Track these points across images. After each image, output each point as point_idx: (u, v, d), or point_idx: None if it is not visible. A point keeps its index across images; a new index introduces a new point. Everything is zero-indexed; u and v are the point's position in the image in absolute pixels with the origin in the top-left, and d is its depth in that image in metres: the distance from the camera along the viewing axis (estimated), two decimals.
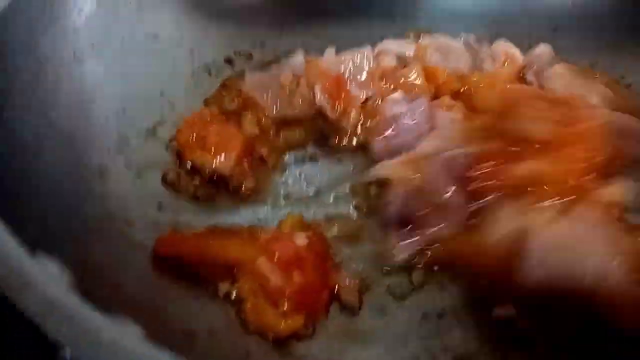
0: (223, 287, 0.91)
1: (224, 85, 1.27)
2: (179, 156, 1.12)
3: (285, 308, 0.84)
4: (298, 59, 1.24)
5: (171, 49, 1.29)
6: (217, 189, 1.10)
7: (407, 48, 1.30)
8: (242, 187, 1.08)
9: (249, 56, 1.39)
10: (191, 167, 1.08)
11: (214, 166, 1.06)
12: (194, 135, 1.09)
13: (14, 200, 0.83)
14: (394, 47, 1.30)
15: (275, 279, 0.86)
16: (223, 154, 1.06)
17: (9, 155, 0.88)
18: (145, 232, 0.99)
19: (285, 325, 0.84)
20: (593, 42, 1.41)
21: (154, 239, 0.98)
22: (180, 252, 0.92)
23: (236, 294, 0.89)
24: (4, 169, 0.86)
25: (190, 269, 0.91)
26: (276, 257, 0.88)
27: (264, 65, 1.32)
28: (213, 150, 1.06)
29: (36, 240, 0.73)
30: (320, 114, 1.16)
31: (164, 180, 1.10)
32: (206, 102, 1.24)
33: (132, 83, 1.19)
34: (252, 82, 1.23)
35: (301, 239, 0.91)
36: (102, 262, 0.88)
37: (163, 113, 1.21)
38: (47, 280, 0.60)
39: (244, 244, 0.92)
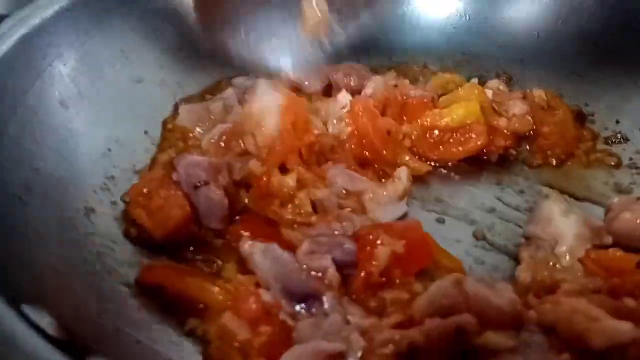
0: (191, 322, 0.95)
1: (168, 129, 1.31)
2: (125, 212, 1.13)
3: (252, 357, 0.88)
4: (229, 92, 1.32)
5: (154, 91, 1.35)
6: None
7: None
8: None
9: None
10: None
11: (149, 230, 1.06)
12: (144, 193, 1.08)
13: (2, 247, 0.88)
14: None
15: (241, 332, 0.89)
16: (162, 221, 1.05)
17: None
18: (129, 269, 1.04)
19: None
20: (558, 72, 1.48)
21: (136, 274, 1.04)
22: (163, 282, 0.97)
23: (203, 333, 0.94)
24: None
25: (167, 300, 0.97)
26: (242, 311, 0.92)
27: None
28: (154, 214, 1.06)
29: (23, 288, 0.79)
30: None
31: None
32: (160, 148, 1.27)
33: (117, 125, 1.26)
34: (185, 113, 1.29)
35: (266, 295, 0.95)
36: (89, 302, 0.93)
37: (147, 152, 1.27)
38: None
39: (219, 290, 0.96)
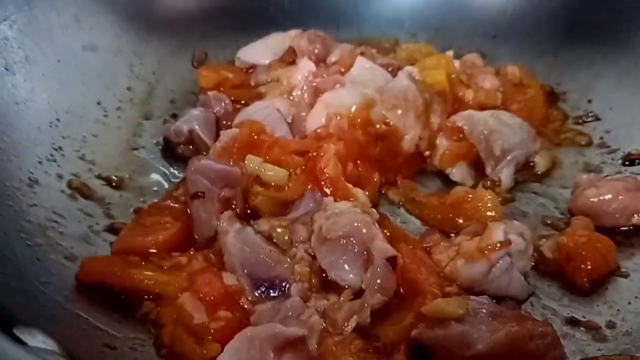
0: (144, 307, 0.89)
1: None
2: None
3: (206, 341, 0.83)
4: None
5: (109, 60, 1.29)
6: None
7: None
8: None
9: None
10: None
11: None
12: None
13: None
14: None
15: (199, 317, 0.84)
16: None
17: None
18: (76, 243, 0.98)
19: (202, 354, 0.81)
20: (530, 49, 1.44)
21: (84, 250, 0.98)
22: (104, 279, 0.90)
23: (156, 317, 0.88)
24: None
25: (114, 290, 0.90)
26: (202, 293, 0.87)
27: None
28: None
29: None
30: None
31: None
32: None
33: (68, 93, 1.19)
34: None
35: (230, 279, 0.90)
36: (26, 274, 0.87)
37: (98, 123, 1.20)
38: None
39: (168, 278, 0.90)
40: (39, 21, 1.19)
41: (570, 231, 1.01)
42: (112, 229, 1.04)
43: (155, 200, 1.10)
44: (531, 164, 1.21)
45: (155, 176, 1.17)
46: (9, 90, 1.09)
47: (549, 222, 1.10)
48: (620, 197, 1.05)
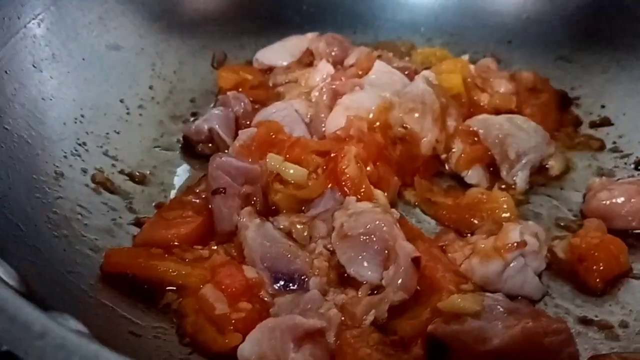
0: (167, 297, 0.92)
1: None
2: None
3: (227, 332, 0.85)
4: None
5: (132, 59, 1.32)
6: None
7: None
8: None
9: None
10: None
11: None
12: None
13: None
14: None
15: (221, 307, 0.86)
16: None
17: None
18: (100, 235, 1.01)
19: (224, 343, 0.83)
20: (545, 54, 1.46)
21: (107, 242, 1.00)
22: (127, 270, 0.93)
23: (179, 308, 0.90)
24: None
25: (137, 281, 0.93)
26: (223, 285, 0.89)
27: None
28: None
29: None
30: None
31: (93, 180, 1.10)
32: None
33: (92, 91, 1.22)
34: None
35: (250, 272, 0.92)
36: (54, 264, 0.90)
37: (121, 120, 1.23)
38: None
39: (190, 270, 0.93)
40: (66, 21, 1.22)
41: (582, 233, 1.03)
42: (135, 223, 1.06)
43: (176, 196, 1.12)
44: (546, 167, 1.22)
45: (176, 173, 1.20)
46: (36, 87, 1.12)
47: (562, 224, 1.12)
48: (632, 200, 1.07)
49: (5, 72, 1.07)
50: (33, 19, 1.16)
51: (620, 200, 1.07)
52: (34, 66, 1.13)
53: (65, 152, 1.10)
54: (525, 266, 0.96)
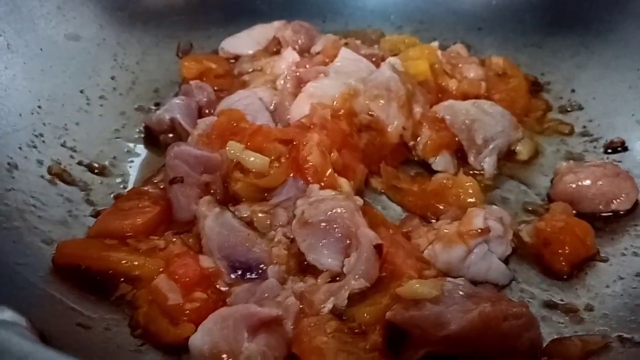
0: (121, 289, 0.89)
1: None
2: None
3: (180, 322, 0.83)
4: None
5: (93, 49, 1.29)
6: None
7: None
8: None
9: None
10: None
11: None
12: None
13: None
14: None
15: (173, 297, 0.84)
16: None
17: None
18: (54, 228, 0.98)
19: (175, 334, 0.81)
20: (515, 40, 1.45)
21: (62, 234, 0.97)
22: (80, 262, 0.90)
23: (132, 299, 0.88)
24: None
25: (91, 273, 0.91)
26: (177, 275, 0.87)
27: None
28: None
29: None
30: None
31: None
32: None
33: (50, 81, 1.19)
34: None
35: (207, 262, 0.90)
36: (1, 254, 0.87)
37: (80, 111, 1.20)
38: None
39: (144, 260, 0.90)
40: (21, 10, 1.19)
41: (548, 216, 1.02)
42: (93, 215, 1.04)
43: (135, 187, 1.10)
44: (514, 152, 1.20)
45: (137, 163, 1.17)
46: None
47: (530, 208, 1.10)
48: (599, 182, 1.06)
49: None
50: None
51: (586, 182, 1.06)
52: None
53: (20, 144, 1.07)
54: (489, 252, 0.95)
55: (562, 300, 0.92)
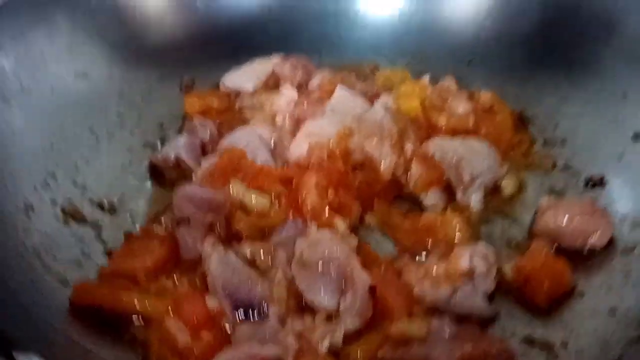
0: (133, 329, 0.96)
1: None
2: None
3: None
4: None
5: (100, 87, 1.35)
6: None
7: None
8: None
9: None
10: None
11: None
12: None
13: None
14: None
15: (183, 339, 0.91)
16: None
17: None
18: (68, 267, 1.05)
19: None
20: (503, 74, 1.51)
21: (75, 273, 1.04)
22: (95, 302, 0.97)
23: (144, 339, 0.94)
24: None
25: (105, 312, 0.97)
26: (185, 316, 0.94)
27: None
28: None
29: None
30: None
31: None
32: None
33: (61, 120, 1.25)
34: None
35: (212, 301, 0.96)
36: (21, 297, 0.94)
37: (91, 149, 1.27)
38: None
39: (154, 301, 0.97)
40: (34, 52, 1.25)
41: (529, 253, 1.09)
42: (104, 253, 1.11)
43: (144, 224, 1.17)
44: (499, 187, 1.28)
45: (144, 199, 1.24)
46: (6, 120, 1.15)
47: (513, 243, 1.17)
48: (576, 220, 1.13)
49: None
50: (1, 51, 1.19)
51: (564, 220, 1.13)
52: (2, 100, 1.17)
53: (35, 184, 1.13)
54: (474, 289, 1.02)
55: (540, 336, 1.00)
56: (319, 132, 1.24)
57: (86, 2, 1.35)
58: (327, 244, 1.03)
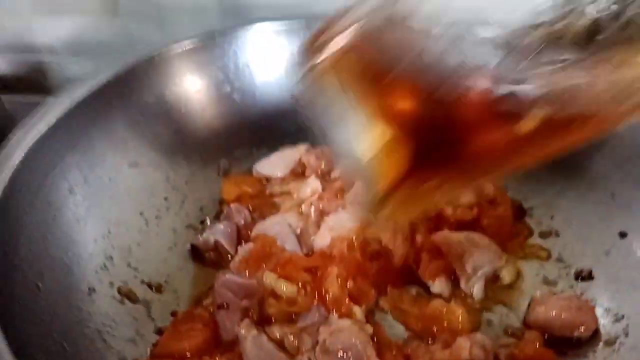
0: None
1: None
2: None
3: None
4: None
5: (149, 174, 1.54)
6: None
7: None
8: None
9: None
10: None
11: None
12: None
13: (19, 327, 1.06)
14: None
15: None
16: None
17: (17, 288, 1.13)
18: (125, 346, 1.22)
19: None
20: None
21: (131, 351, 1.22)
22: None
23: None
24: (12, 302, 1.10)
25: None
26: None
27: None
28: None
29: None
30: None
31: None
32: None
33: (117, 207, 1.44)
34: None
35: None
36: None
37: (141, 232, 1.45)
38: None
39: None
40: (95, 146, 1.44)
41: (521, 343, 1.26)
42: (154, 331, 1.28)
43: (188, 304, 1.34)
44: (498, 276, 1.44)
45: (187, 280, 1.42)
46: (71, 210, 1.34)
47: (510, 331, 1.33)
48: (564, 314, 1.29)
49: (48, 202, 1.29)
50: (69, 150, 1.38)
51: (553, 314, 1.29)
52: (69, 191, 1.35)
53: (95, 268, 1.32)
54: None
55: None
56: (340, 225, 1.42)
57: (139, 101, 1.54)
58: (346, 334, 1.20)
